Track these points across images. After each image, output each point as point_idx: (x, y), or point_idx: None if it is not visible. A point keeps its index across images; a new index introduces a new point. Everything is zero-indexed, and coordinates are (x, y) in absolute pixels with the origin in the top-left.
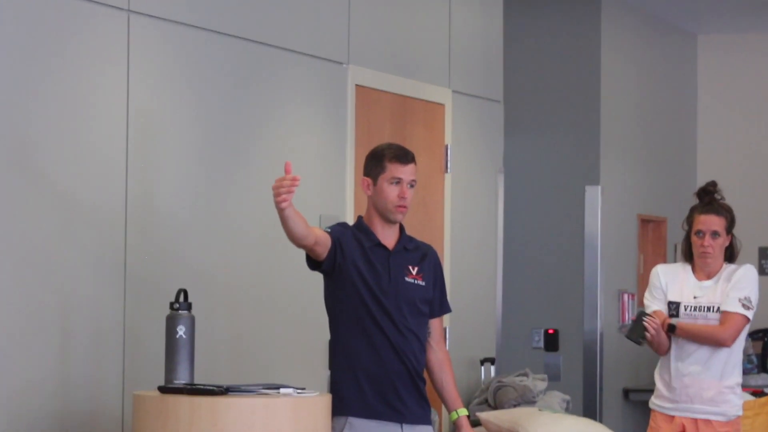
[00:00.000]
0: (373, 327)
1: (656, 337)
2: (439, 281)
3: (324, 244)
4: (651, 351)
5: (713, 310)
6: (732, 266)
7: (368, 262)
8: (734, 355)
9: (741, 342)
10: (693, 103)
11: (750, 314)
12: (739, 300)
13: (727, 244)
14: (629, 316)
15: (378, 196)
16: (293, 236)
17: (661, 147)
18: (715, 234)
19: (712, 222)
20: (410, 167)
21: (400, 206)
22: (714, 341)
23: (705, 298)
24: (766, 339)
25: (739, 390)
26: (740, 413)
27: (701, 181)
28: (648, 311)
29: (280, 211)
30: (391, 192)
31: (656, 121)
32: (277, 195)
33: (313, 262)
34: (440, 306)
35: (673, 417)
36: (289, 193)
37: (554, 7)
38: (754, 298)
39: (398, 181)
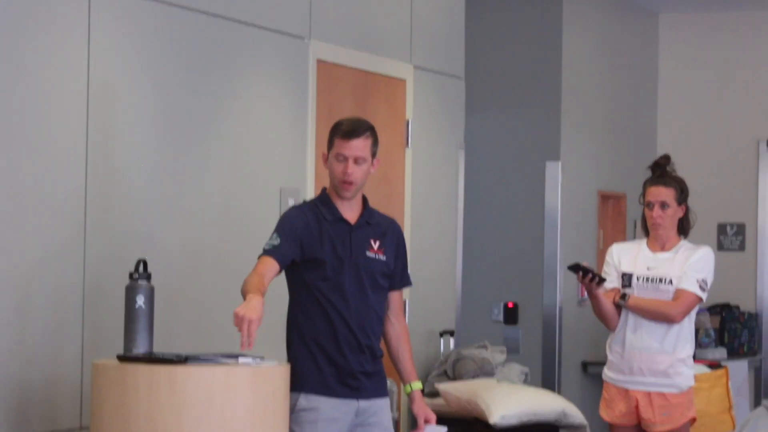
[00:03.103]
0: (331, 303)
1: (588, 286)
2: (401, 255)
3: (276, 270)
4: (639, 324)
5: (665, 282)
6: (690, 244)
7: (329, 239)
8: (685, 328)
9: (692, 316)
10: (654, 80)
11: (704, 296)
12: (697, 281)
13: (680, 215)
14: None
15: (329, 171)
16: None
17: (622, 124)
18: (664, 205)
19: (660, 193)
20: (355, 143)
21: (344, 182)
22: (664, 317)
23: (659, 270)
24: (723, 314)
25: (690, 362)
26: (692, 384)
27: None
28: (605, 287)
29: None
30: (337, 168)
31: (617, 98)
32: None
33: None
34: (401, 279)
35: (627, 390)
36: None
37: None
38: (710, 281)
39: (342, 158)
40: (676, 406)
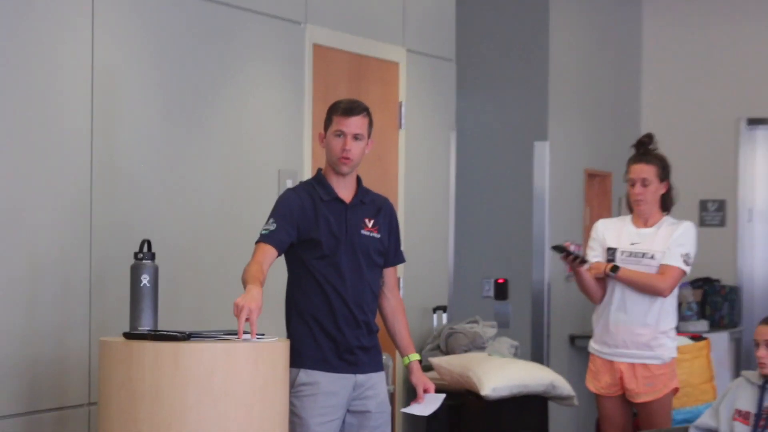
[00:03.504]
0: (327, 281)
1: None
2: (395, 232)
3: (274, 255)
4: (624, 298)
5: (648, 257)
6: (673, 220)
7: (324, 218)
8: (667, 302)
9: (674, 290)
10: (638, 62)
11: (688, 270)
12: (681, 255)
13: (662, 191)
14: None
15: (327, 149)
16: None
17: (607, 105)
18: (645, 182)
19: (641, 170)
20: (354, 120)
21: (342, 158)
22: (652, 290)
23: (642, 245)
24: (705, 288)
25: (673, 334)
26: (674, 355)
27: None
28: (588, 264)
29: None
30: (336, 144)
31: (602, 80)
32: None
33: None
34: (395, 256)
35: (612, 362)
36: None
37: None
38: (693, 255)
39: (341, 134)
40: (659, 377)
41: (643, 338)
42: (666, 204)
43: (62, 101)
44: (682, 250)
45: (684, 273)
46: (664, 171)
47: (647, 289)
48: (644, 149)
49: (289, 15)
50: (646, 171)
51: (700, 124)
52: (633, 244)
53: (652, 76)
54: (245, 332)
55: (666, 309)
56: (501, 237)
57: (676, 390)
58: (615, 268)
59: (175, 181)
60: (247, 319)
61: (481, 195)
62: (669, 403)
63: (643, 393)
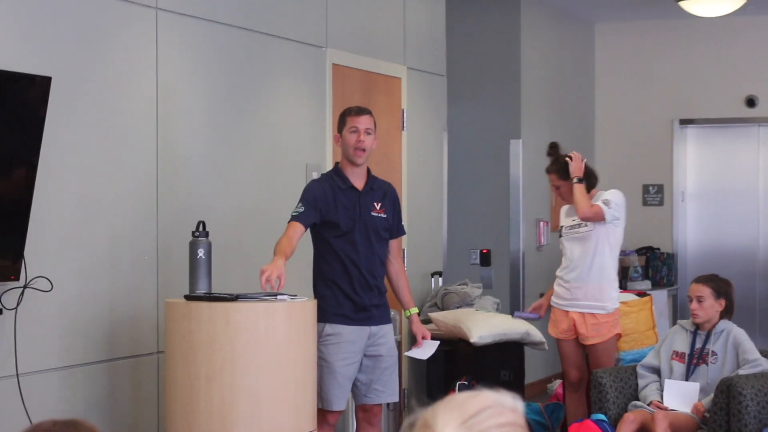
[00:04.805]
0: (345, 254)
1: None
2: (397, 212)
3: (302, 231)
4: (574, 260)
5: (582, 226)
6: (604, 191)
7: (342, 203)
8: (607, 266)
9: (614, 252)
10: (592, 74)
11: (608, 213)
12: (603, 201)
13: (575, 182)
14: (545, 239)
15: (343, 144)
16: None
17: (568, 109)
18: (557, 188)
19: (551, 179)
20: (364, 118)
21: (357, 149)
22: (579, 207)
23: (578, 220)
24: (648, 255)
25: (614, 286)
26: (617, 306)
27: (599, 135)
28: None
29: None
30: (351, 138)
31: (564, 89)
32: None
33: None
34: (397, 230)
35: (567, 312)
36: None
37: (486, 2)
38: (614, 206)
39: (355, 130)
40: (604, 324)
41: (591, 292)
42: (591, 182)
43: (133, 109)
44: (604, 198)
45: (603, 212)
46: (562, 168)
47: (579, 205)
48: (552, 159)
49: (313, 41)
50: (553, 180)
51: (642, 124)
52: (574, 220)
53: (603, 85)
54: (270, 294)
55: (606, 270)
56: (484, 216)
57: (619, 335)
58: (580, 180)
59: (223, 174)
60: (270, 287)
61: (468, 182)
62: (613, 346)
63: (590, 336)
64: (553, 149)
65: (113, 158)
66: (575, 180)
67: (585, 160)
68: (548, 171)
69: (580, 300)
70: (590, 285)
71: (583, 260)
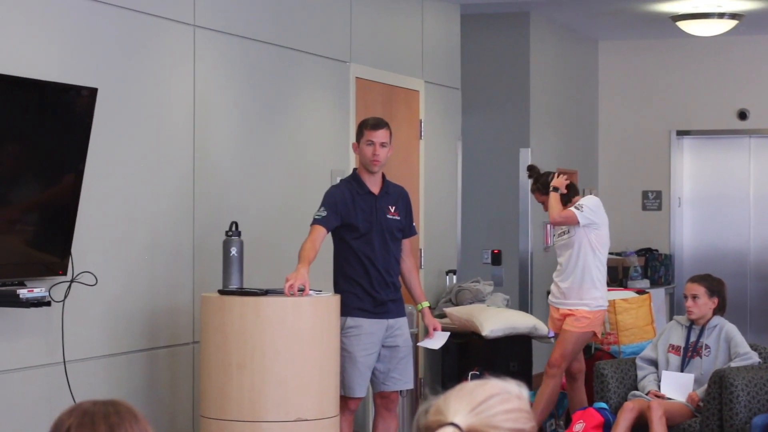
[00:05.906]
0: (364, 253)
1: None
2: (409, 214)
3: (324, 234)
4: (563, 264)
5: (564, 234)
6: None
7: (360, 207)
8: (591, 265)
9: (598, 254)
10: (595, 87)
11: (580, 216)
12: (576, 206)
13: (558, 197)
14: (551, 240)
15: (360, 155)
16: None
17: (573, 120)
18: (543, 204)
19: (535, 197)
20: (380, 132)
21: (374, 160)
22: (551, 213)
23: (560, 229)
24: (647, 255)
25: (598, 285)
26: (602, 307)
27: (602, 144)
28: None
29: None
30: (368, 151)
31: (570, 101)
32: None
33: None
34: (409, 230)
35: (558, 308)
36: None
37: (497, 21)
38: (587, 209)
39: (371, 143)
40: (582, 318)
41: (576, 292)
42: (570, 195)
43: (172, 118)
44: (579, 203)
45: (574, 214)
46: (542, 186)
47: (552, 210)
48: (533, 179)
49: (338, 56)
50: (537, 198)
51: (642, 134)
52: (560, 230)
53: (606, 98)
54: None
55: (588, 277)
56: (496, 219)
57: (594, 335)
58: (555, 189)
59: (254, 178)
60: (293, 294)
61: (480, 188)
62: (583, 342)
63: (567, 324)
64: (532, 170)
65: (153, 164)
66: (551, 189)
67: (569, 180)
68: (532, 191)
69: (567, 299)
70: (574, 285)
71: (569, 263)
